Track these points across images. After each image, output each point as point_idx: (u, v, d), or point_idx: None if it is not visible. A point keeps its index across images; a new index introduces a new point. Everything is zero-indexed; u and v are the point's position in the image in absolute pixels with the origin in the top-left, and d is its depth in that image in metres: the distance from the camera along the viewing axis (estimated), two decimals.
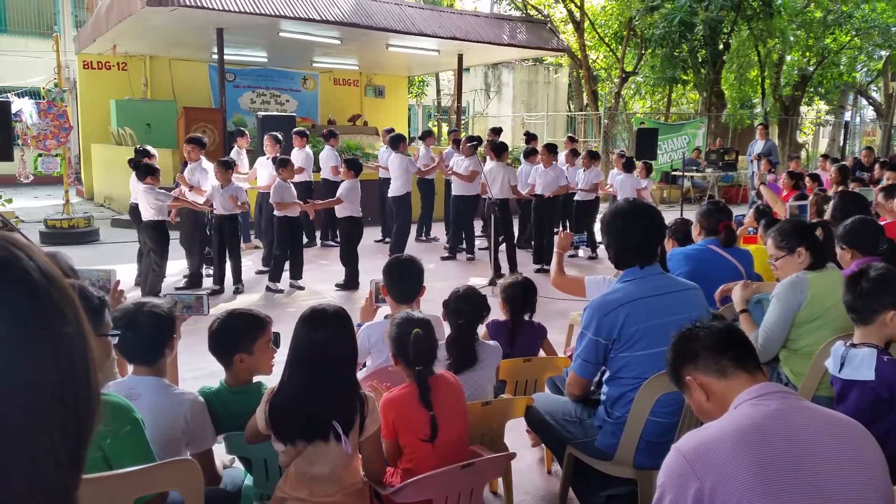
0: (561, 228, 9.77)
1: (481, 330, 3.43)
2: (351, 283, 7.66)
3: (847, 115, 27.29)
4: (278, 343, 2.72)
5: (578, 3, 19.21)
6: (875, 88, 26.15)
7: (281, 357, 2.59)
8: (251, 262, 8.65)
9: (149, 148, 7.73)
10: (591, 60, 20.96)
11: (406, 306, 3.19)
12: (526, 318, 3.72)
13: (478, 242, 9.93)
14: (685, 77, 19.47)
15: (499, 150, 8.85)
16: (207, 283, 7.60)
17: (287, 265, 7.61)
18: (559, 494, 3.15)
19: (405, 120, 20.79)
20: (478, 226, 10.13)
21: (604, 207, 9.38)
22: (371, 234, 9.93)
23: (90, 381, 0.65)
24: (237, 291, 7.39)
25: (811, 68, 22.00)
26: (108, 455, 2.05)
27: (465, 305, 3.16)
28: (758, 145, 13.48)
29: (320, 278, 7.96)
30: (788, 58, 22.22)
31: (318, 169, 10.73)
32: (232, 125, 13.17)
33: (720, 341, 1.83)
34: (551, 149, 9.14)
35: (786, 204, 6.21)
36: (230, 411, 2.58)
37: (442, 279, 7.59)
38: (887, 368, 2.44)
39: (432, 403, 2.47)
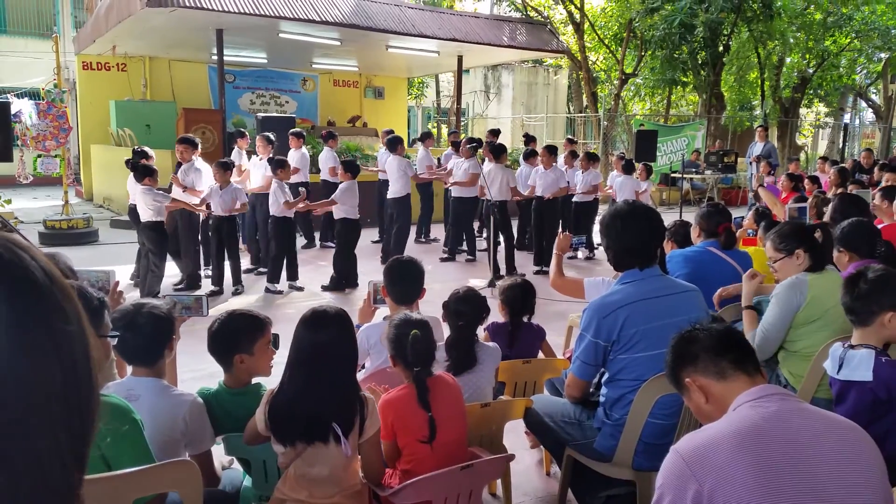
0: (560, 230, 9.77)
1: (481, 332, 3.43)
2: (338, 284, 7.66)
3: (846, 118, 27.32)
4: (277, 344, 2.72)
5: (578, 5, 19.22)
6: (874, 91, 26.17)
7: (280, 358, 2.59)
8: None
9: (146, 149, 7.74)
10: (590, 62, 20.97)
11: (405, 308, 3.19)
12: (525, 319, 3.72)
13: (477, 244, 9.93)
14: (685, 79, 19.48)
15: (497, 151, 8.85)
16: (206, 284, 7.60)
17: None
18: (558, 496, 3.15)
19: (405, 121, 20.81)
20: (477, 227, 10.14)
21: (603, 209, 9.41)
22: (369, 236, 9.93)
23: (92, 380, 0.65)
24: (236, 292, 7.39)
25: (811, 70, 22.01)
26: (107, 456, 2.05)
27: (465, 307, 3.15)
28: (757, 147, 13.49)
29: (319, 280, 7.96)
30: (788, 60, 22.24)
31: (317, 170, 10.74)
32: (231, 126, 13.17)
33: (719, 343, 1.83)
34: (551, 150, 9.14)
35: (785, 206, 6.21)
36: (229, 412, 2.58)
37: (441, 280, 7.58)
38: (885, 369, 2.44)
39: (431, 404, 2.48)
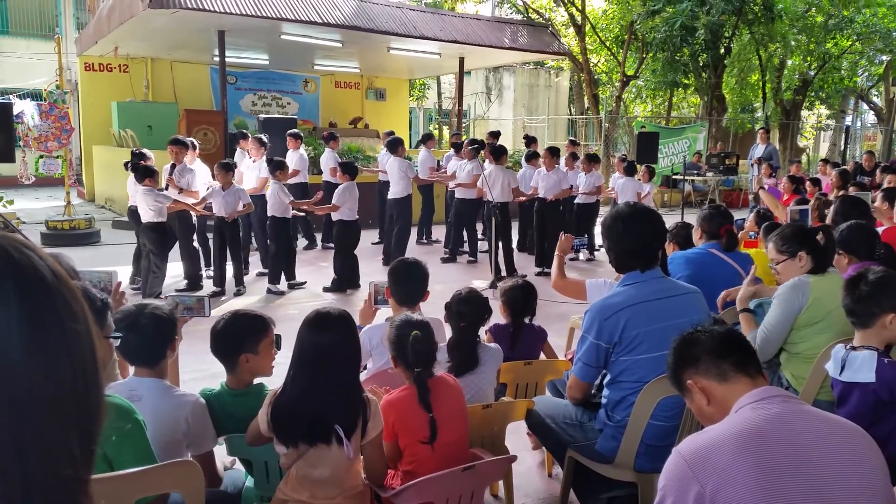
0: (562, 232, 9.76)
1: (483, 333, 3.43)
2: (339, 285, 7.67)
3: (848, 120, 27.29)
4: (280, 345, 2.73)
5: (580, 7, 19.23)
6: (876, 93, 26.16)
7: (282, 359, 2.59)
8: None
9: (145, 150, 7.73)
10: (592, 64, 20.97)
11: (408, 309, 3.19)
12: (526, 321, 3.72)
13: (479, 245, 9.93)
14: (686, 81, 19.48)
15: (498, 153, 8.86)
16: (208, 284, 7.61)
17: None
18: (560, 497, 3.15)
19: (406, 123, 20.82)
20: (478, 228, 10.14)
21: (604, 211, 9.42)
22: (369, 237, 9.93)
23: (98, 379, 0.67)
24: (238, 293, 7.40)
25: (812, 73, 22.01)
26: (110, 456, 2.05)
27: (468, 308, 3.16)
28: (759, 149, 13.48)
29: (321, 281, 7.96)
30: (789, 62, 22.24)
31: (318, 171, 10.75)
32: (233, 127, 13.18)
33: (721, 345, 1.84)
34: (554, 152, 9.14)
35: (786, 208, 6.21)
36: (231, 413, 2.58)
37: (442, 282, 7.58)
38: (888, 370, 2.44)
39: (432, 405, 2.48)
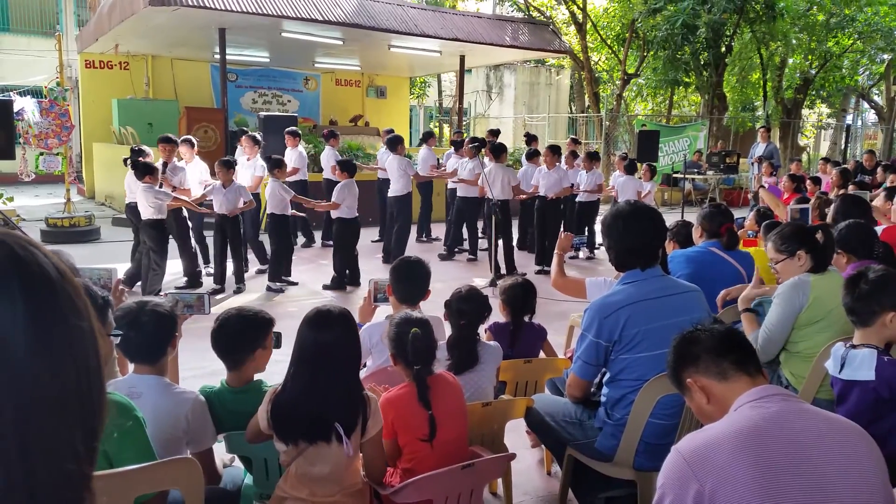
0: (562, 230, 9.77)
1: (483, 332, 3.43)
2: (339, 283, 7.67)
3: (849, 119, 27.29)
4: (280, 343, 2.74)
5: (581, 5, 19.21)
6: (877, 92, 26.13)
7: (281, 356, 2.60)
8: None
9: (144, 147, 7.73)
10: (592, 62, 20.97)
11: (408, 307, 3.19)
12: (526, 319, 3.72)
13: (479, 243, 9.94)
14: (687, 79, 19.46)
15: (498, 151, 8.86)
16: (207, 281, 7.61)
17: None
18: (559, 495, 3.16)
19: (407, 121, 20.81)
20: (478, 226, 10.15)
21: (604, 209, 9.41)
22: (369, 235, 9.94)
23: (101, 375, 0.67)
24: (238, 291, 7.40)
25: (813, 71, 21.99)
26: (110, 453, 2.05)
27: (467, 306, 3.16)
28: (759, 148, 13.48)
29: (321, 278, 7.97)
30: (791, 61, 22.22)
31: (318, 169, 10.74)
32: (234, 125, 13.18)
33: (721, 344, 1.84)
34: (555, 150, 9.14)
35: (787, 207, 6.21)
36: (231, 411, 2.58)
37: (442, 280, 7.58)
38: (888, 369, 2.44)
39: (431, 403, 2.48)
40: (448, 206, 10.46)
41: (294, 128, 10.04)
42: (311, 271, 8.50)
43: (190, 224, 7.51)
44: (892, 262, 3.40)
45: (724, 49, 18.65)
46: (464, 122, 17.72)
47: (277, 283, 7.52)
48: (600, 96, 20.43)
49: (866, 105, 27.42)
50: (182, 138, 8.26)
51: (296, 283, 7.77)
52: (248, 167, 8.31)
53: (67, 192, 10.65)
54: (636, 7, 18.03)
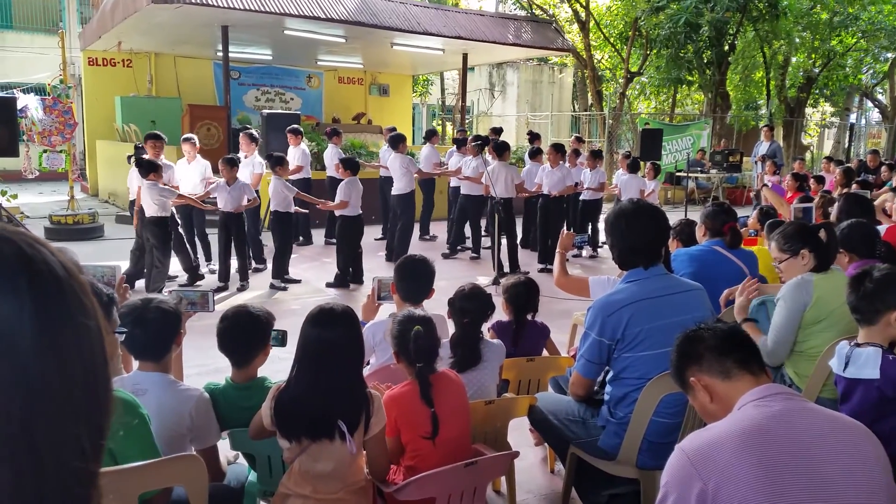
0: (564, 228, 9.76)
1: (486, 330, 3.43)
2: (342, 281, 7.67)
3: (852, 118, 27.22)
4: (285, 341, 2.75)
5: (584, 3, 19.18)
6: (881, 91, 26.06)
7: (284, 354, 2.60)
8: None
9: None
10: (595, 60, 20.93)
11: (412, 306, 3.19)
12: (529, 317, 3.72)
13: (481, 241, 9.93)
14: (690, 78, 19.43)
15: (500, 149, 8.86)
16: (211, 279, 7.62)
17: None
18: (562, 494, 3.16)
19: (409, 119, 20.81)
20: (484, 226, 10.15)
21: (607, 208, 9.40)
22: (372, 233, 9.94)
23: (107, 373, 0.67)
24: (241, 288, 7.41)
25: (817, 70, 21.93)
26: (114, 450, 2.06)
27: (471, 304, 3.16)
28: (762, 147, 13.47)
29: (324, 276, 7.97)
30: (794, 59, 22.16)
31: (321, 167, 10.75)
32: (236, 123, 13.19)
33: (724, 343, 1.84)
34: (558, 149, 9.13)
35: (790, 206, 6.20)
36: (235, 408, 2.59)
37: (445, 278, 7.58)
38: (893, 367, 2.44)
39: (434, 401, 2.48)
40: (450, 204, 10.46)
41: (296, 126, 10.04)
42: (315, 269, 8.51)
43: (180, 221, 7.52)
44: (895, 262, 3.38)
45: (727, 47, 18.61)
46: (466, 121, 17.72)
47: (279, 281, 7.52)
48: (603, 94, 20.41)
49: (870, 104, 27.35)
50: (184, 137, 8.27)
51: (299, 281, 7.78)
52: (247, 165, 8.31)
53: (71, 189, 10.66)
54: (639, 5, 18.00)
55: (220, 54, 12.41)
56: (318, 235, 10.40)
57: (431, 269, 3.40)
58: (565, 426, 3.00)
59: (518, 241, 9.06)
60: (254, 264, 8.37)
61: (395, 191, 9.17)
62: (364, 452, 2.38)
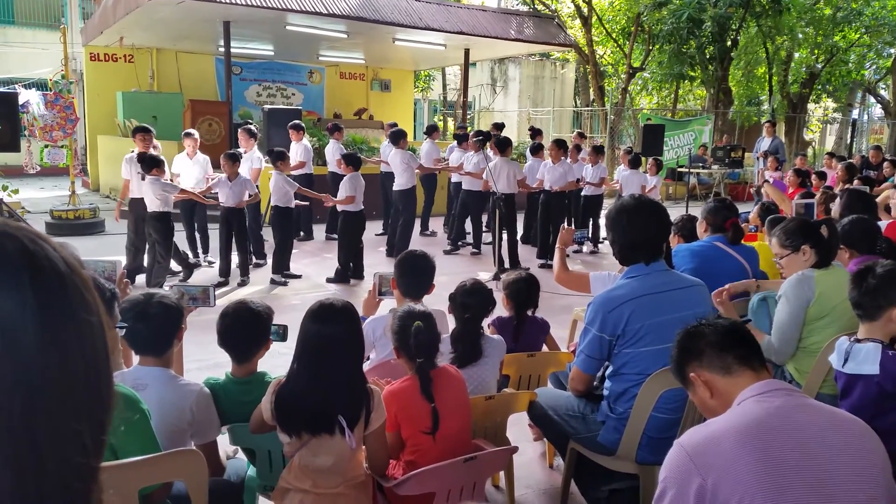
0: (565, 223, 9.75)
1: (487, 326, 3.43)
2: (343, 276, 7.67)
3: (855, 113, 27.15)
4: (286, 336, 2.75)
5: None
6: (883, 86, 25.97)
7: (284, 349, 2.60)
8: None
9: None
10: (598, 56, 20.90)
11: (412, 301, 3.20)
12: (529, 313, 3.72)
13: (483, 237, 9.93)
14: (692, 73, 19.39)
15: (502, 145, 8.84)
16: (212, 274, 7.63)
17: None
18: (561, 489, 3.16)
19: (411, 114, 20.79)
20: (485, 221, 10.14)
21: (608, 203, 9.40)
22: (373, 228, 9.93)
23: (109, 368, 0.67)
24: (242, 284, 7.42)
25: (819, 66, 21.90)
26: (115, 446, 2.06)
27: (472, 299, 3.15)
28: (765, 142, 13.43)
29: (325, 272, 7.98)
30: (797, 55, 22.12)
31: (323, 162, 10.74)
32: (238, 118, 13.18)
33: (725, 338, 1.83)
34: (560, 144, 9.12)
35: (792, 202, 6.20)
36: (236, 402, 2.60)
37: (446, 273, 7.58)
38: (893, 362, 2.44)
39: (434, 396, 2.48)
40: (451, 200, 10.45)
41: (297, 121, 10.03)
42: (315, 264, 8.51)
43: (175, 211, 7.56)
44: (894, 257, 3.38)
45: (729, 43, 18.57)
46: (468, 116, 17.69)
47: (280, 276, 7.53)
48: (605, 90, 20.38)
49: (873, 99, 27.27)
50: (185, 132, 8.26)
51: (299, 276, 7.78)
52: (246, 160, 8.31)
53: (72, 184, 10.66)
54: (641, 0, 17.96)
55: (222, 50, 12.40)
56: (319, 231, 10.39)
57: (432, 264, 3.40)
58: (565, 421, 3.00)
59: (518, 237, 9.06)
60: (254, 259, 8.37)
61: (396, 186, 9.16)
62: (364, 447, 2.38)
